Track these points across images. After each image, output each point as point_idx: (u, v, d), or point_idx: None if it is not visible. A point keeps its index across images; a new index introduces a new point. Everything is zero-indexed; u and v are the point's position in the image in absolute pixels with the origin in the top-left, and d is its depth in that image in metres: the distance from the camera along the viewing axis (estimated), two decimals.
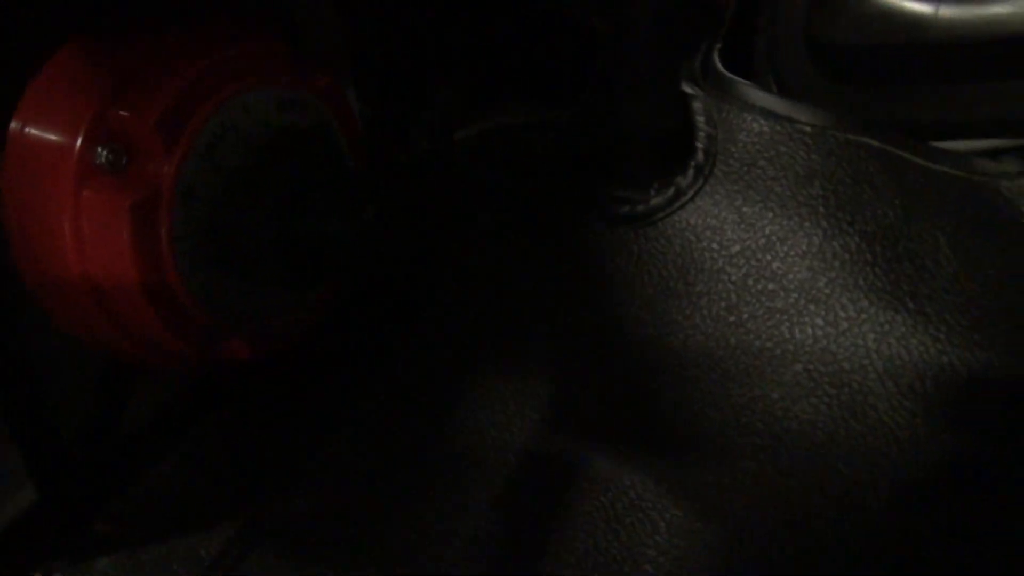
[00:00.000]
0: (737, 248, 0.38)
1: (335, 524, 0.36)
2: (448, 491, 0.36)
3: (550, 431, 0.37)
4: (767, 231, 0.38)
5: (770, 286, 0.37)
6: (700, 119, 0.40)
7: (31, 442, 0.32)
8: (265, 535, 0.35)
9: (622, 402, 0.38)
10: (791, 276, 0.37)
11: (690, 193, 0.40)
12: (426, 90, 0.53)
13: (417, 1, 0.51)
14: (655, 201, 0.40)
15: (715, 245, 0.39)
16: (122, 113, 0.28)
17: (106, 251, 0.29)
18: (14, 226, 0.30)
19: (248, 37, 0.32)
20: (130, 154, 0.29)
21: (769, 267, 0.38)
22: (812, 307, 0.36)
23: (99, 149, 0.28)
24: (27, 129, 0.28)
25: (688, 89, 0.41)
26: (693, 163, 0.40)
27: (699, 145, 0.40)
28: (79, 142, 0.28)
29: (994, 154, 0.39)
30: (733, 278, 0.38)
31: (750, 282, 0.38)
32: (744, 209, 0.39)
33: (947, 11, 0.38)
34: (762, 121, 0.39)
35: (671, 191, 0.40)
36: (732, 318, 0.38)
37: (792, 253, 0.37)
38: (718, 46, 0.42)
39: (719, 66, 0.42)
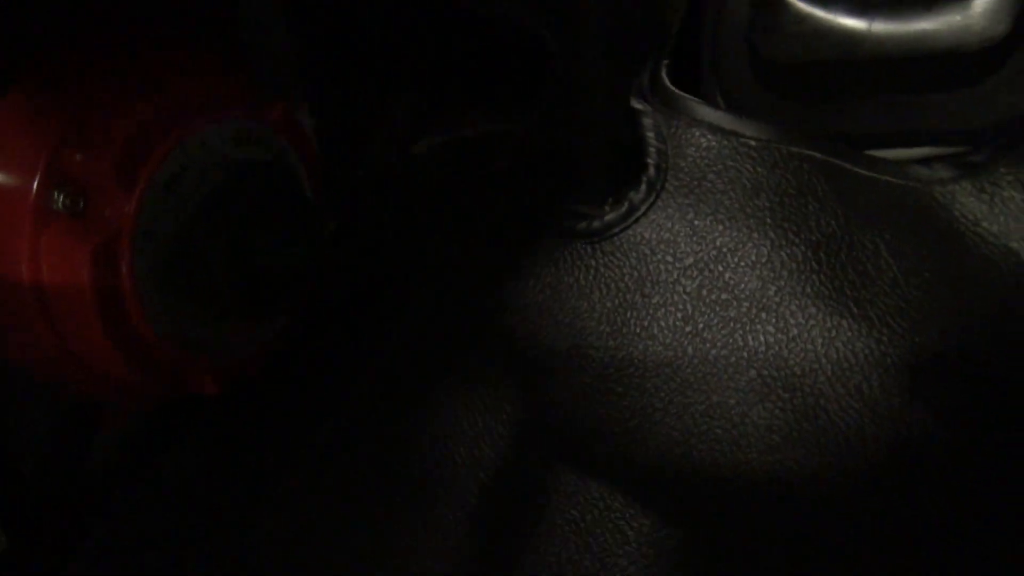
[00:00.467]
0: (690, 260, 0.40)
1: (305, 549, 0.36)
2: (420, 509, 0.37)
3: (518, 445, 0.38)
4: (718, 243, 0.39)
5: (723, 296, 0.39)
6: (650, 135, 0.42)
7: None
8: (237, 566, 0.35)
9: (586, 413, 0.39)
10: (742, 286, 0.39)
11: (643, 208, 0.41)
12: (381, 104, 0.53)
13: (369, 16, 0.51)
14: (610, 216, 0.41)
15: (669, 258, 0.40)
16: (77, 156, 0.28)
17: (67, 295, 0.28)
18: None
19: (201, 70, 0.32)
20: (87, 197, 0.29)
21: (721, 278, 0.39)
22: (763, 315, 0.38)
23: (55, 194, 0.28)
24: None
25: (637, 105, 0.42)
26: (645, 178, 0.41)
27: (650, 160, 0.41)
28: (35, 187, 0.28)
29: (927, 162, 0.41)
30: (688, 289, 0.39)
31: (704, 293, 0.39)
32: (696, 222, 0.40)
33: (879, 27, 0.40)
34: (710, 136, 0.41)
35: (625, 206, 0.41)
36: (688, 328, 0.39)
37: (743, 264, 0.39)
38: (665, 62, 0.44)
39: (667, 82, 0.43)
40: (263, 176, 0.34)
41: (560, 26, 0.45)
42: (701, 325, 0.39)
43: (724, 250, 0.39)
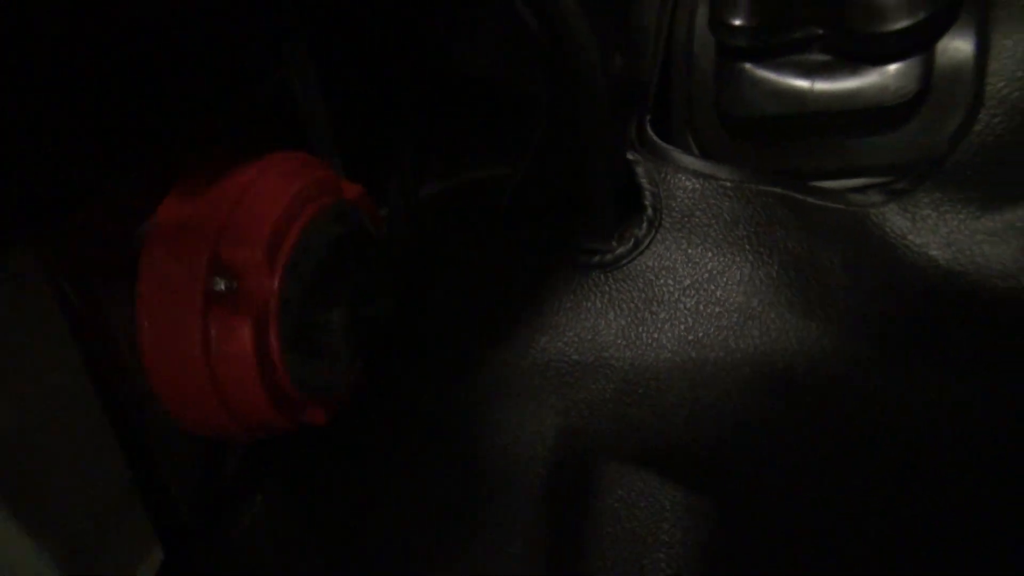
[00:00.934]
0: (688, 282, 0.49)
1: (417, 538, 0.45)
2: (493, 503, 0.45)
3: (564, 445, 0.47)
4: (709, 267, 0.49)
5: (717, 309, 0.49)
6: (644, 181, 0.51)
7: (157, 511, 0.39)
8: (355, 559, 0.43)
9: (615, 414, 0.48)
10: (731, 300, 0.49)
11: (646, 242, 0.50)
12: (393, 155, 0.61)
13: (387, 79, 0.58)
14: (619, 251, 0.50)
15: (670, 281, 0.50)
16: (234, 248, 0.36)
17: (232, 358, 0.36)
18: (146, 337, 0.36)
19: (309, 164, 0.40)
20: (241, 279, 0.36)
21: (714, 295, 0.49)
22: (750, 323, 0.48)
23: (217, 280, 0.35)
24: (156, 263, 0.35)
25: (631, 156, 0.52)
26: (645, 218, 0.50)
27: (647, 203, 0.51)
28: (202, 278, 0.35)
29: (863, 190, 0.51)
30: (688, 306, 0.49)
31: (701, 307, 0.49)
32: (689, 251, 0.50)
33: (819, 86, 0.50)
34: (693, 180, 0.51)
35: (631, 242, 0.50)
36: (691, 337, 0.49)
37: (730, 282, 0.49)
38: (648, 117, 0.53)
39: (652, 135, 0.52)
40: (354, 244, 0.42)
41: (557, 91, 0.54)
42: (701, 334, 0.49)
43: (714, 272, 0.49)
